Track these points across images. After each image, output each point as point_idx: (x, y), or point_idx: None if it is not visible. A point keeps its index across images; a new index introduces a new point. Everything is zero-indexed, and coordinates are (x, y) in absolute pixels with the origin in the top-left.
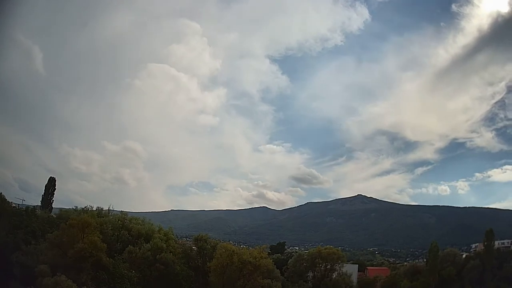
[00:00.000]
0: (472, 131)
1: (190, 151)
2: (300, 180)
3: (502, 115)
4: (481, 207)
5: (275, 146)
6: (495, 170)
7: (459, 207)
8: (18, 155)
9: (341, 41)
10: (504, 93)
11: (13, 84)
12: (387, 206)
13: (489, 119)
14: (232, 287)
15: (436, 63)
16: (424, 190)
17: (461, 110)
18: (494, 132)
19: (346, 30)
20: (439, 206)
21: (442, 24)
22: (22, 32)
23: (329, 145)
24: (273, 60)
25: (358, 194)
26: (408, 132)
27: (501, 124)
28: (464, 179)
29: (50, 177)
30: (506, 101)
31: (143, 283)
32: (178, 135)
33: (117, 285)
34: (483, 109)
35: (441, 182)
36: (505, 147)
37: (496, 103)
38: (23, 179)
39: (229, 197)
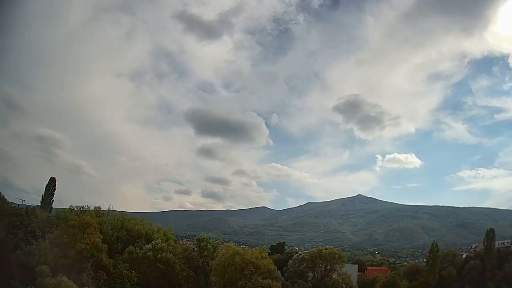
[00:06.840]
0: (438, 121)
1: (164, 148)
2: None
3: (470, 103)
4: (481, 207)
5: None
6: (466, 170)
7: (459, 207)
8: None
9: (304, 20)
10: (466, 71)
11: None
12: (387, 206)
13: (453, 107)
14: (233, 287)
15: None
16: (397, 188)
17: (417, 93)
18: (468, 123)
19: (305, 6)
20: (439, 206)
21: None
22: None
23: (286, 138)
24: (232, 43)
25: (358, 195)
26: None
27: (470, 113)
28: (428, 178)
29: (51, 177)
30: (473, 88)
31: (143, 283)
32: (151, 131)
33: (117, 285)
34: (443, 92)
35: (423, 179)
36: (485, 140)
37: (458, 84)
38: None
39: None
